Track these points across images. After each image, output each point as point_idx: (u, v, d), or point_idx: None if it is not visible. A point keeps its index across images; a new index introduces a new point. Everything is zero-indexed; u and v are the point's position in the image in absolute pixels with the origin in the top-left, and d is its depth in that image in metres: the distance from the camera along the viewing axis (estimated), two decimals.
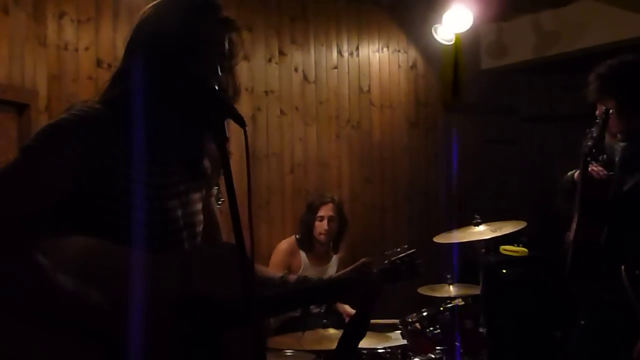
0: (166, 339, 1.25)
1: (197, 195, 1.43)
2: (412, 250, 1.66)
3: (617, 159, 2.39)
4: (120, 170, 1.26)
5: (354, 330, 1.68)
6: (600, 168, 2.43)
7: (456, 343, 2.86)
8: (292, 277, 1.59)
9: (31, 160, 1.20)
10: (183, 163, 1.38)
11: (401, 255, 1.63)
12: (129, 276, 1.22)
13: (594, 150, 2.36)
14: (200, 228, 1.43)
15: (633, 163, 2.35)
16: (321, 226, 3.54)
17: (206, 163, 1.41)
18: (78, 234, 1.24)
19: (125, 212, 1.26)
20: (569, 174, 2.80)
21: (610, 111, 2.31)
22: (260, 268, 1.62)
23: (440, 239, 3.38)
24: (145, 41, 1.29)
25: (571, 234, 2.45)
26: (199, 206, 1.43)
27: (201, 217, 1.43)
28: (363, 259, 1.64)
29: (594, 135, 2.34)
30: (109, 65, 3.54)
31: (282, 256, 3.58)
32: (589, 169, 2.51)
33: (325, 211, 3.56)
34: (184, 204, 1.37)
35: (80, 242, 1.23)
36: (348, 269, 1.63)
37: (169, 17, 1.30)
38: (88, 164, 1.22)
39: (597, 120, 2.34)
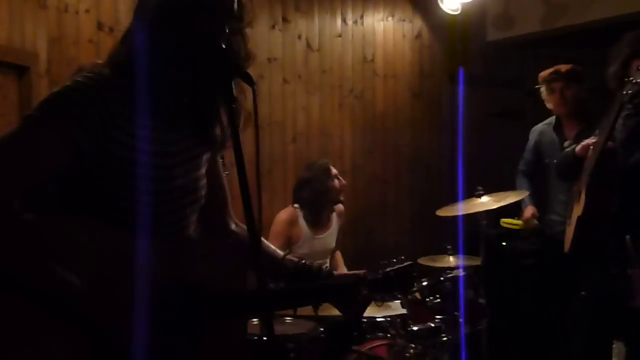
0: (150, 322, 1.22)
1: (203, 160, 1.41)
2: (409, 263, 1.63)
3: (617, 129, 2.36)
4: (125, 141, 1.24)
5: (345, 335, 1.68)
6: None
7: (456, 313, 2.87)
8: (292, 259, 1.58)
9: (31, 131, 1.17)
10: (193, 126, 1.35)
11: (396, 267, 1.60)
12: (118, 258, 1.20)
13: (635, 98, 2.30)
14: (203, 192, 1.41)
15: (638, 136, 2.34)
16: (340, 183, 3.49)
17: (217, 127, 1.38)
18: (76, 209, 1.22)
19: (128, 181, 1.24)
20: (569, 149, 2.78)
21: None
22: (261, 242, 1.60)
23: (443, 212, 3.37)
24: (152, 3, 1.27)
25: (579, 209, 2.43)
26: (203, 170, 1.41)
27: (204, 181, 1.41)
28: (363, 271, 1.61)
29: (639, 81, 2.26)
30: (110, 29, 3.48)
31: (282, 227, 3.53)
32: (591, 141, 2.49)
33: (333, 170, 3.51)
34: (189, 170, 1.36)
35: (72, 220, 1.21)
36: (344, 273, 1.62)
37: None
38: (91, 135, 1.19)
39: (639, 68, 2.27)
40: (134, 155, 1.24)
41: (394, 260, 1.63)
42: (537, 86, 3.50)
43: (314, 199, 3.48)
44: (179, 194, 1.34)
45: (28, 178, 1.15)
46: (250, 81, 1.17)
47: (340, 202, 3.55)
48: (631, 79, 2.28)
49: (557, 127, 3.47)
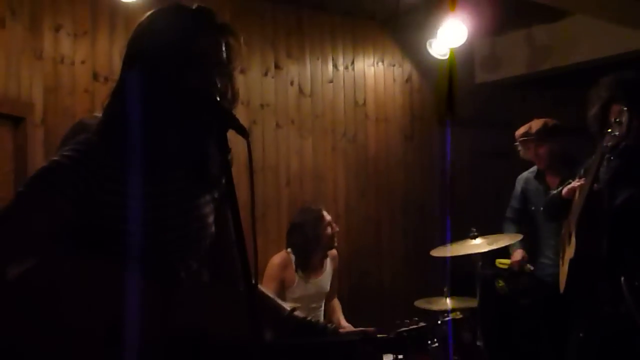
0: None
1: (204, 203, 1.39)
2: (423, 325, 1.61)
3: (602, 173, 2.40)
4: (116, 201, 1.25)
5: None
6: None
7: (455, 357, 2.85)
8: (298, 316, 1.53)
9: (20, 206, 1.23)
10: (189, 174, 1.35)
11: (409, 328, 1.57)
12: (118, 306, 1.20)
13: (613, 149, 2.35)
14: (206, 240, 1.40)
15: (624, 176, 2.38)
16: (333, 230, 3.49)
17: (213, 169, 1.37)
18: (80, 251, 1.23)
19: (122, 238, 1.25)
20: (556, 191, 2.83)
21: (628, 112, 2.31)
22: (266, 295, 1.57)
23: (437, 252, 3.38)
24: (141, 55, 1.28)
25: (570, 251, 2.45)
26: (208, 217, 1.40)
27: (210, 229, 1.40)
28: (371, 329, 1.56)
29: (617, 134, 2.32)
30: (106, 79, 3.54)
31: (275, 270, 3.51)
32: (577, 184, 2.54)
33: (327, 216, 3.52)
34: (188, 218, 1.35)
35: (74, 260, 1.23)
36: (351, 330, 1.58)
37: (163, 29, 1.28)
38: (77, 203, 1.23)
39: (617, 120, 2.33)
40: (126, 213, 1.26)
41: (407, 320, 1.60)
42: (515, 144, 3.57)
43: (305, 244, 3.49)
44: (177, 246, 1.34)
45: (19, 249, 1.20)
46: (244, 133, 1.18)
47: (334, 248, 3.54)
48: (610, 130, 2.35)
49: (540, 176, 3.53)
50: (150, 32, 1.30)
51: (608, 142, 2.35)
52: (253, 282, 1.15)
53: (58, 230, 1.23)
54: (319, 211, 3.52)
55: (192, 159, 1.35)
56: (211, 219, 1.41)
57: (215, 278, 1.50)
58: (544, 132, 3.42)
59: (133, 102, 1.26)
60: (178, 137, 1.31)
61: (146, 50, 1.28)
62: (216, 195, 1.42)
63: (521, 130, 3.52)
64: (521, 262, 3.50)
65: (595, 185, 2.38)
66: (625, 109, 2.30)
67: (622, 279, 2.11)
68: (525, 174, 3.66)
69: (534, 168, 3.59)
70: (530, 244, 3.53)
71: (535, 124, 3.47)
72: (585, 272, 2.36)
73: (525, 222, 3.63)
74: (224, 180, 1.22)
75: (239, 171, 1.31)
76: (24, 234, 1.20)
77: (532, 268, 3.51)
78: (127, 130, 1.25)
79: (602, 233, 2.30)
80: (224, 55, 1.31)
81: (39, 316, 1.19)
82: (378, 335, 1.50)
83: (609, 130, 2.35)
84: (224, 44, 1.31)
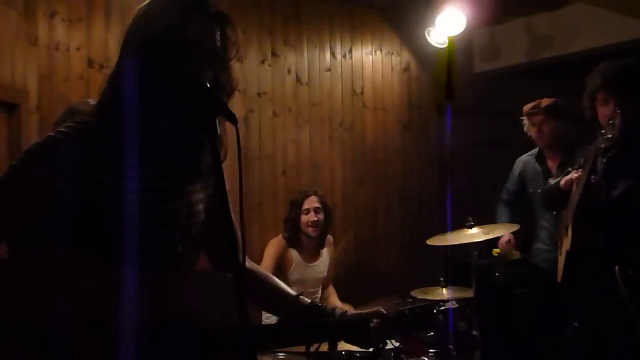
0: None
1: (198, 190, 1.40)
2: (427, 304, 1.60)
3: (599, 163, 2.39)
4: (110, 181, 1.26)
5: None
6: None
7: (450, 345, 2.85)
8: (305, 300, 1.54)
9: (13, 180, 1.23)
10: (181, 161, 1.36)
11: (412, 307, 1.56)
12: (109, 294, 1.20)
13: (608, 152, 2.34)
14: (197, 230, 1.41)
15: (621, 168, 2.36)
16: (308, 218, 3.54)
17: (205, 157, 1.37)
18: (73, 243, 1.24)
19: (118, 220, 1.25)
20: (554, 182, 2.83)
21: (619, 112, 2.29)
22: (274, 281, 1.58)
23: (434, 241, 3.38)
24: (137, 42, 1.29)
25: (567, 243, 2.44)
26: (200, 204, 1.41)
27: (200, 218, 1.41)
28: (377, 307, 1.57)
29: (610, 136, 2.31)
30: (101, 66, 3.52)
31: (272, 255, 3.56)
32: (575, 176, 2.53)
33: (310, 203, 3.56)
34: (181, 204, 1.36)
35: (65, 252, 1.23)
36: (360, 311, 1.57)
37: (159, 17, 1.29)
38: (70, 179, 1.23)
39: (610, 122, 2.32)
40: (121, 195, 1.26)
41: (409, 299, 1.60)
42: (520, 118, 3.56)
43: (286, 223, 3.62)
44: (169, 230, 1.34)
45: (11, 222, 1.20)
46: (233, 119, 1.18)
47: (310, 238, 3.58)
48: (603, 132, 2.34)
49: (540, 157, 3.52)
50: (146, 19, 1.31)
51: (601, 144, 2.34)
52: (240, 267, 1.14)
53: (51, 208, 1.22)
54: (304, 196, 3.60)
55: (184, 146, 1.36)
56: (202, 206, 1.42)
57: (211, 264, 1.51)
58: (553, 108, 3.42)
59: (128, 86, 1.27)
60: (170, 123, 1.32)
61: (141, 36, 1.29)
62: (208, 182, 1.43)
63: (530, 104, 3.51)
64: (506, 246, 3.52)
65: (592, 177, 2.37)
66: (618, 110, 2.29)
67: (617, 268, 2.10)
68: (524, 157, 3.64)
69: (534, 150, 3.58)
70: (526, 228, 3.52)
71: (546, 101, 3.47)
72: (581, 264, 2.36)
73: (520, 206, 3.63)
74: (213, 169, 1.21)
75: (233, 160, 1.30)
76: (15, 209, 1.21)
77: (518, 254, 3.52)
78: (122, 113, 1.26)
79: (599, 225, 2.30)
80: (218, 43, 1.31)
81: (27, 301, 1.18)
82: (384, 314, 1.51)
83: (602, 132, 2.35)
84: (218, 32, 1.31)
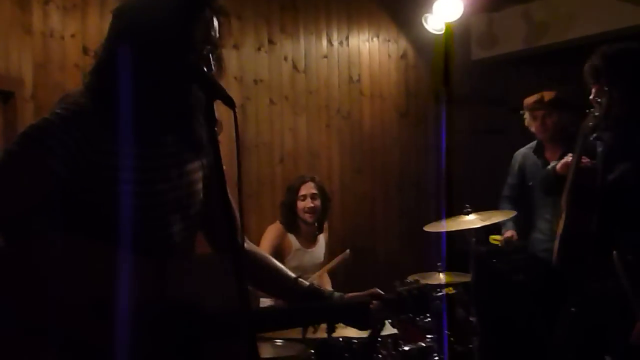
0: (144, 347, 1.22)
1: (195, 169, 1.40)
2: (423, 284, 1.59)
3: (599, 147, 2.39)
4: (107, 162, 1.25)
5: (367, 353, 1.61)
6: (584, 157, 2.43)
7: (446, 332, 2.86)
8: (304, 283, 1.55)
9: (10, 163, 1.23)
10: (179, 139, 1.36)
11: (409, 288, 1.56)
12: (109, 279, 1.19)
13: (595, 130, 2.34)
14: (195, 209, 1.40)
15: (618, 152, 2.36)
16: (305, 204, 3.53)
17: (202, 136, 1.36)
18: (72, 229, 1.23)
19: (114, 200, 1.25)
20: (550, 166, 2.83)
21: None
22: (273, 263, 1.59)
23: (431, 227, 3.38)
24: (131, 28, 1.28)
25: (560, 226, 2.45)
26: (198, 184, 1.41)
27: (199, 197, 1.41)
28: (374, 289, 1.57)
29: (597, 114, 2.30)
30: (96, 53, 3.48)
31: (271, 240, 3.57)
32: (570, 159, 2.53)
33: (307, 189, 3.55)
34: (179, 183, 1.36)
35: (66, 238, 1.22)
36: (358, 294, 1.57)
37: (166, 10, 1.28)
38: (67, 161, 1.22)
39: (599, 100, 2.31)
40: (117, 174, 1.26)
41: (406, 280, 1.60)
42: (521, 112, 3.55)
43: (282, 207, 3.62)
44: (168, 209, 1.34)
45: (10, 206, 1.19)
46: (230, 103, 1.17)
47: (307, 223, 3.58)
48: (591, 110, 2.33)
49: (539, 150, 3.52)
50: (140, 5, 1.30)
51: (589, 122, 2.34)
52: (239, 248, 1.14)
53: (48, 191, 1.22)
54: (301, 182, 3.59)
55: (180, 124, 1.35)
56: (200, 185, 1.42)
57: (209, 244, 1.51)
58: (556, 102, 3.42)
59: (123, 73, 1.26)
60: (166, 103, 1.31)
61: (135, 22, 1.28)
62: (205, 162, 1.43)
63: (532, 98, 3.50)
64: (509, 241, 3.53)
65: (583, 161, 2.37)
66: (607, 88, 2.28)
67: (615, 253, 2.10)
68: (523, 150, 3.64)
69: (533, 143, 3.58)
70: (525, 221, 3.54)
71: (548, 94, 3.46)
72: (573, 248, 2.36)
73: (521, 199, 3.63)
74: (211, 150, 1.21)
75: (231, 148, 1.29)
76: (13, 194, 1.20)
77: (518, 241, 3.53)
78: (117, 94, 1.25)
79: (592, 209, 2.29)
80: (212, 30, 1.31)
81: (26, 290, 1.18)
82: (382, 295, 1.51)
83: (591, 110, 2.34)
84: (214, 20, 1.31)
